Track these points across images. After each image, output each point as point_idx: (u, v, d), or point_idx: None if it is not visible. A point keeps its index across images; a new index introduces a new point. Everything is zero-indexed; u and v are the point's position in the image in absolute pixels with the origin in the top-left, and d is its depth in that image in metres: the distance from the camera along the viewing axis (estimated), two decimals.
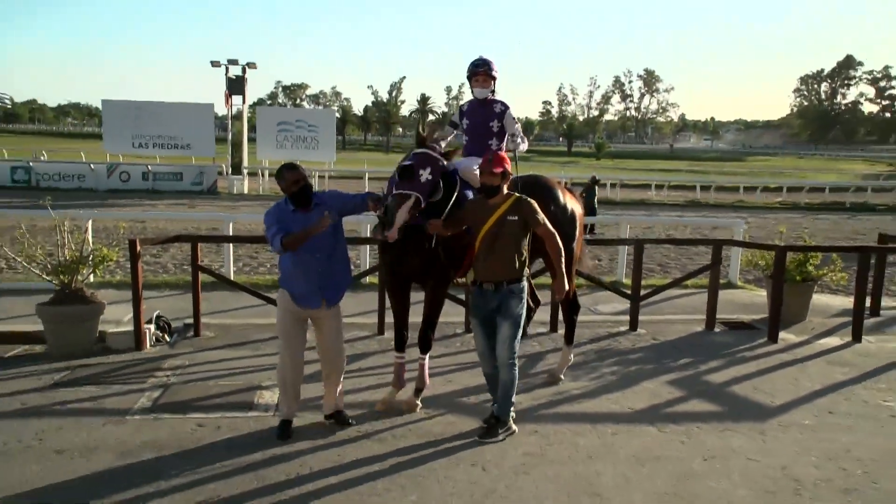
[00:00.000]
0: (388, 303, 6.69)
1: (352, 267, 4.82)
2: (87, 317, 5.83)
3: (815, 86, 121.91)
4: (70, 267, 5.84)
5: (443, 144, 4.48)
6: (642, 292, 7.32)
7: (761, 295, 8.87)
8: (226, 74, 27.27)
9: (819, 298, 8.40)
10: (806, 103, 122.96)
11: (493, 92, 5.16)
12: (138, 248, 6.07)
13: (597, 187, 16.14)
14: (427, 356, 4.82)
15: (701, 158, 76.58)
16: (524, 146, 5.27)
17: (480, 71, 5.08)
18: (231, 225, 9.62)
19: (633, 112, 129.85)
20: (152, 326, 6.21)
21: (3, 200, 19.75)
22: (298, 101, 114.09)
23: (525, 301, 4.29)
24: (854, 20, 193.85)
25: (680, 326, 7.24)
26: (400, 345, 4.79)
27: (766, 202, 27.88)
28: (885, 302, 8.45)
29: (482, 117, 5.16)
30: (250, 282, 8.73)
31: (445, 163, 4.39)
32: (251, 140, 30.64)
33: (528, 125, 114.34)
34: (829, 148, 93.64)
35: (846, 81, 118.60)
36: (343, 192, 4.53)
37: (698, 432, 4.48)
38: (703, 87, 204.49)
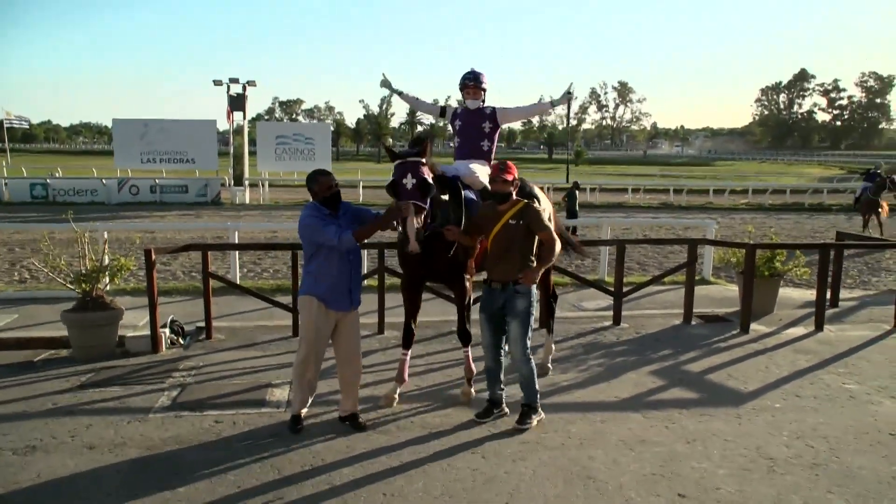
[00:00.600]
0: (387, 303, 6.79)
1: None
2: (108, 322, 5.81)
3: (774, 96, 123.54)
4: (91, 276, 5.83)
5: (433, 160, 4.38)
6: (624, 289, 7.40)
7: (732, 289, 8.98)
8: (227, 92, 27.10)
9: (784, 292, 8.53)
10: (766, 112, 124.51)
11: (483, 102, 5.26)
12: (153, 257, 6.07)
13: (577, 192, 16.21)
14: (469, 348, 4.86)
15: (671, 164, 77.04)
16: (547, 105, 5.47)
17: (471, 84, 5.17)
18: (236, 233, 9.60)
19: (608, 121, 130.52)
20: (167, 330, 6.20)
21: (25, 215, 19.57)
22: (294, 115, 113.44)
23: (533, 301, 4.28)
24: (806, 38, 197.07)
25: (660, 320, 7.32)
26: (407, 342, 4.83)
27: (733, 204, 28.11)
28: (843, 294, 8.59)
29: (474, 120, 5.24)
30: (255, 286, 8.72)
31: (424, 160, 4.25)
32: (251, 153, 30.44)
33: (510, 134, 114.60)
34: (788, 153, 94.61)
35: (801, 93, 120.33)
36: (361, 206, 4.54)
37: (680, 417, 4.55)
38: (673, 98, 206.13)
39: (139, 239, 11.96)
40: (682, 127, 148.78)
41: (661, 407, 4.74)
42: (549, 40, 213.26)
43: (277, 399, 4.81)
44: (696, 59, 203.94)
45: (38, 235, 9.05)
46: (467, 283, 4.75)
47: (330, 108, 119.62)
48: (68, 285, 5.96)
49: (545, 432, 4.27)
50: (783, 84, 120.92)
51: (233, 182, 27.59)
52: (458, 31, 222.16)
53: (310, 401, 4.36)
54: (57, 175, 29.36)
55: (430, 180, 4.22)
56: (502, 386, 4.50)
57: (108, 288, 6.15)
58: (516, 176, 4.31)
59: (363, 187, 27.69)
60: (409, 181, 4.13)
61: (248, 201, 25.56)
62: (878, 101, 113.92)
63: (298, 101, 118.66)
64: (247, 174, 27.91)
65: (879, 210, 16.15)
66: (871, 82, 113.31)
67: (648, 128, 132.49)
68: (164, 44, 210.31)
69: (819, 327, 7.00)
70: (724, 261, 8.38)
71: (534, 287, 4.25)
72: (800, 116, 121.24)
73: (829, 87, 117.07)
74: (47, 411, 4.56)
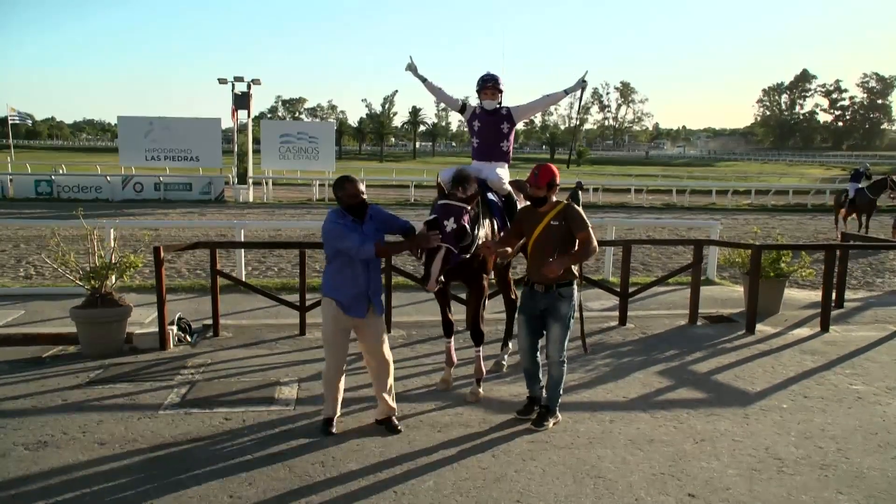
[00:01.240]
0: (394, 302, 6.80)
1: None
2: (117, 319, 5.82)
3: (776, 97, 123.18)
4: (100, 273, 5.83)
5: (469, 191, 4.34)
6: (630, 289, 7.39)
7: (737, 290, 8.97)
8: (232, 90, 27.13)
9: (789, 293, 8.52)
10: (768, 113, 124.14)
11: (499, 104, 5.30)
12: (161, 254, 6.07)
13: (580, 192, 16.20)
14: (481, 348, 4.90)
15: (673, 164, 76.97)
16: (560, 94, 5.50)
17: (489, 85, 5.21)
18: (242, 231, 9.60)
19: (610, 121, 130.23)
20: (175, 328, 6.20)
21: (30, 211, 19.60)
22: (297, 114, 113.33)
23: (574, 303, 4.24)
24: (808, 38, 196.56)
25: (665, 321, 7.31)
26: (448, 331, 4.94)
27: (736, 204, 28.06)
28: (848, 295, 8.58)
29: (492, 122, 5.28)
30: (261, 284, 8.72)
31: (469, 207, 4.27)
32: (255, 151, 30.47)
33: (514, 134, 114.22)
34: (789, 154, 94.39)
35: (803, 93, 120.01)
36: (390, 213, 4.47)
37: (688, 417, 4.55)
38: (675, 98, 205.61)
39: (147, 237, 11.93)
40: (684, 127, 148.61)
41: (669, 407, 4.74)
42: (550, 40, 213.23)
43: (286, 397, 4.82)
44: (699, 59, 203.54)
45: (43, 232, 9.04)
46: (485, 283, 4.77)
47: (333, 107, 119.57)
48: (78, 282, 5.97)
49: (554, 431, 4.27)
50: (785, 85, 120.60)
51: (236, 180, 27.59)
52: (459, 31, 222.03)
53: (338, 405, 4.30)
54: (61, 172, 29.40)
55: (469, 229, 4.24)
56: (542, 385, 4.47)
57: (115, 285, 6.17)
58: (554, 181, 4.17)
59: (366, 186, 27.68)
60: (450, 224, 4.15)
61: (251, 199, 25.56)
62: (880, 101, 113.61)
63: (301, 100, 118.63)
64: (250, 172, 27.92)
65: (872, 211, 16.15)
66: (873, 83, 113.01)
67: (650, 128, 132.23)
68: (170, 42, 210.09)
69: (825, 328, 6.99)
70: (728, 261, 8.36)
71: (575, 289, 4.23)
72: (801, 117, 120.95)
73: (831, 88, 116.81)
74: (58, 407, 4.57)
